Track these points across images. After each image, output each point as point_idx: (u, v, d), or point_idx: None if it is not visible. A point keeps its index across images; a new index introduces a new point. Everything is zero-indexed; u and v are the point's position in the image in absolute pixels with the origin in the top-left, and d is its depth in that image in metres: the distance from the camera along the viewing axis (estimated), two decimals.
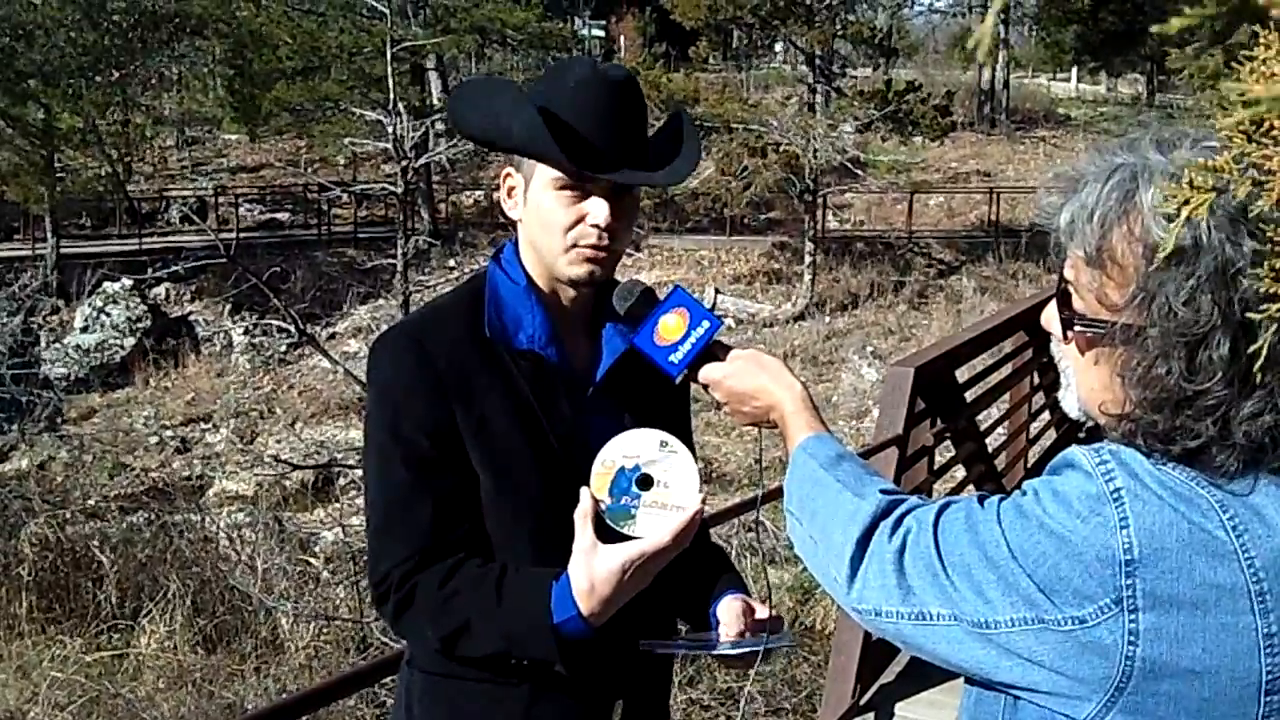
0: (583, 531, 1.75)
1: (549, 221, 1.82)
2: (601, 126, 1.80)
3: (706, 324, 1.71)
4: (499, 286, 1.90)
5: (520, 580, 1.81)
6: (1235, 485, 1.17)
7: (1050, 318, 1.32)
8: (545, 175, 1.81)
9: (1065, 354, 1.32)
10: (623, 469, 1.75)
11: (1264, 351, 1.09)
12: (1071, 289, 1.27)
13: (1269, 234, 1.07)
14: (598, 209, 1.80)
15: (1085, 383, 1.30)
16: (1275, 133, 0.97)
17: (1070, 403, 1.34)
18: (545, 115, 1.75)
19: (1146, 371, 1.18)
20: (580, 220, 1.81)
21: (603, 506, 1.75)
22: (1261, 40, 0.95)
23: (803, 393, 1.65)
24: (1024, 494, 1.26)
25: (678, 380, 1.77)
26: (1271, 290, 1.04)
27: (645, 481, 1.75)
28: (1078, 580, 1.16)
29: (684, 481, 1.75)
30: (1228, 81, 0.95)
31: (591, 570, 1.72)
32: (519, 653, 1.80)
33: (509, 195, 1.90)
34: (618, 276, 1.92)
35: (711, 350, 1.72)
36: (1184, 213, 1.02)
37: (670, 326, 1.71)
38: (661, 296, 1.77)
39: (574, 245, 1.82)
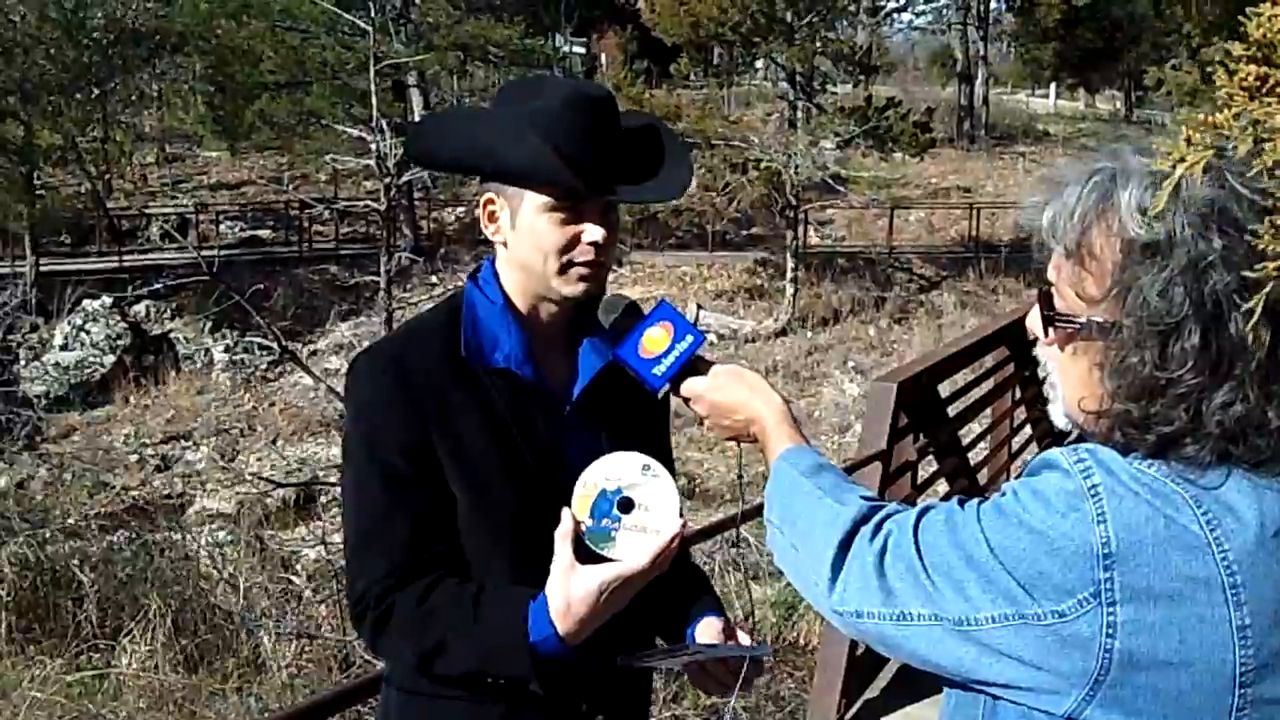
0: (562, 551, 1.75)
1: (544, 244, 1.82)
2: (595, 146, 1.81)
3: (690, 338, 1.73)
4: (476, 306, 1.91)
5: (498, 598, 1.82)
6: (1207, 479, 1.20)
7: (1034, 320, 1.35)
8: (537, 200, 1.81)
9: (1049, 357, 1.36)
10: (604, 491, 1.76)
11: (1237, 337, 1.15)
12: (1054, 290, 1.31)
13: (1270, 191, 1.10)
14: (593, 229, 1.82)
15: (1067, 382, 1.33)
16: (1279, 89, 0.98)
17: (1058, 411, 1.37)
18: (544, 138, 1.76)
19: (1121, 362, 1.22)
20: (575, 240, 1.82)
21: (583, 528, 1.75)
22: None
23: (783, 407, 1.67)
24: (1003, 495, 1.28)
25: (660, 393, 1.79)
26: (1271, 248, 1.05)
27: (626, 504, 1.75)
28: (1057, 575, 1.19)
29: (664, 505, 1.75)
30: (1236, 46, 0.96)
31: (569, 590, 1.73)
32: (495, 671, 1.80)
33: (490, 220, 1.89)
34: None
35: (694, 364, 1.74)
36: (1179, 170, 1.03)
37: (654, 340, 1.73)
38: (646, 311, 1.79)
39: (569, 265, 1.83)
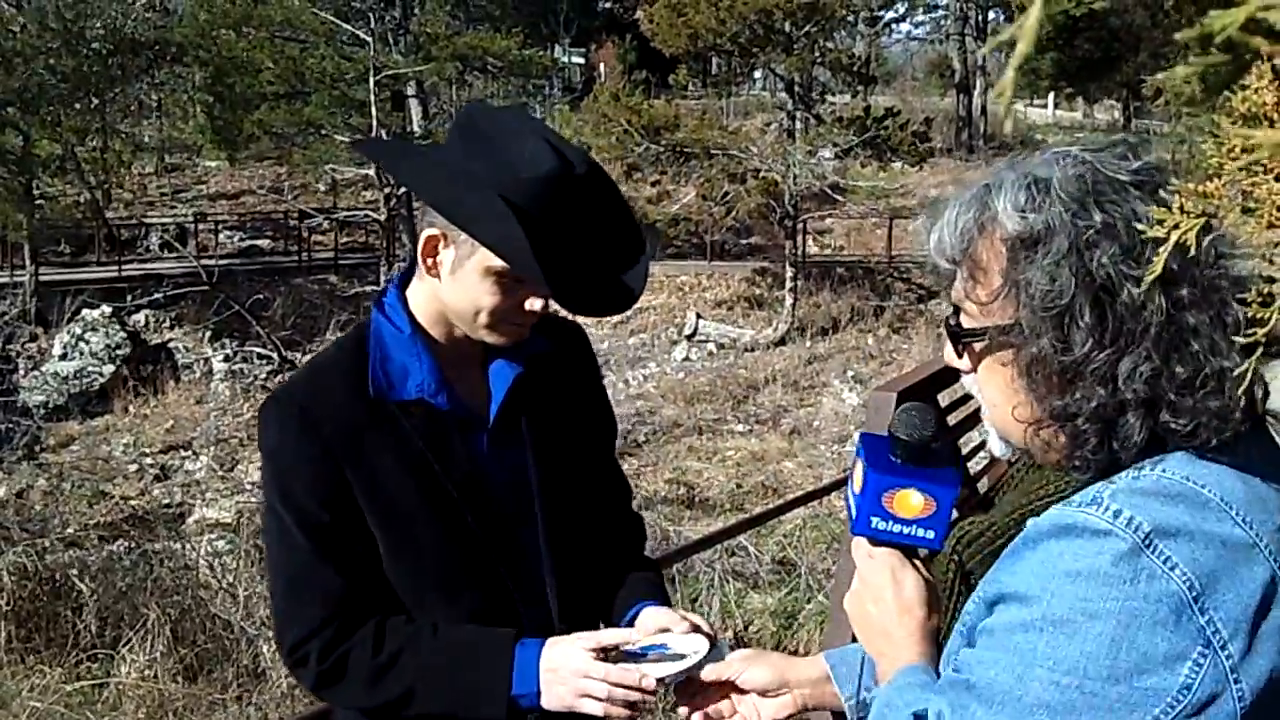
0: (590, 636, 1.79)
1: (482, 304, 1.78)
2: (568, 236, 1.75)
3: (933, 534, 1.43)
4: (384, 336, 1.86)
5: (472, 642, 1.82)
6: (1205, 471, 1.16)
7: (948, 351, 1.33)
8: (488, 261, 1.75)
9: (972, 384, 1.34)
10: (665, 646, 1.80)
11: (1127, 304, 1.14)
12: (960, 313, 1.30)
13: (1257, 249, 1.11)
14: (536, 302, 1.79)
15: (989, 399, 1.30)
16: (1265, 160, 1.00)
17: (993, 439, 1.34)
18: (520, 217, 1.68)
19: (1026, 356, 1.21)
20: (517, 305, 1.79)
21: (630, 644, 1.80)
22: (1254, 69, 0.98)
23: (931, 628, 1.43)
24: (1026, 604, 1.15)
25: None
26: (1258, 316, 1.06)
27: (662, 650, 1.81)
28: (1162, 645, 1.09)
29: (678, 661, 1.78)
30: (1223, 118, 0.98)
31: (573, 664, 1.76)
32: (466, 714, 1.81)
33: (430, 255, 1.81)
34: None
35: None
36: (1174, 236, 1.04)
37: (909, 505, 1.40)
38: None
39: (500, 322, 1.80)
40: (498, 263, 1.73)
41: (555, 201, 1.73)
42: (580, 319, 1.98)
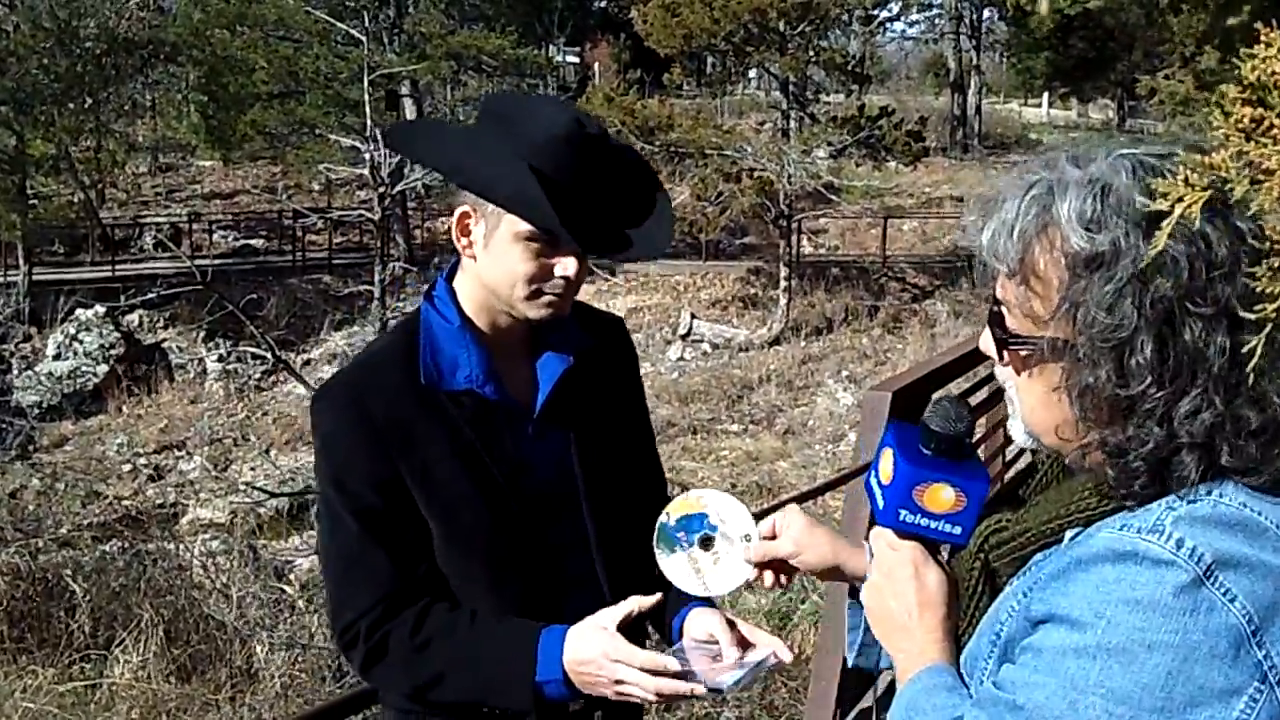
0: (611, 612, 1.78)
1: (515, 272, 1.81)
2: (584, 190, 1.79)
3: (960, 528, 1.39)
4: (434, 327, 1.89)
5: (503, 631, 1.83)
6: (1260, 498, 1.13)
7: (986, 342, 1.30)
8: (516, 226, 1.79)
9: (1006, 377, 1.30)
10: (705, 517, 1.73)
11: (1188, 347, 1.09)
12: (1004, 309, 1.26)
13: (1267, 231, 1.07)
14: (567, 262, 1.81)
15: (1026, 402, 1.27)
16: (1275, 131, 0.99)
17: (1016, 429, 1.31)
18: (539, 177, 1.73)
19: (1081, 383, 1.17)
20: (548, 272, 1.81)
21: (664, 520, 1.75)
22: (1263, 36, 0.97)
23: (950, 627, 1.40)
24: (1079, 629, 1.12)
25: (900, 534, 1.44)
26: (1269, 290, 1.04)
27: (706, 541, 1.74)
28: (1219, 679, 1.07)
29: (729, 573, 1.73)
30: (1231, 88, 0.97)
31: (597, 646, 1.75)
32: (494, 702, 1.83)
33: (464, 233, 1.87)
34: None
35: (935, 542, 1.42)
36: (1178, 210, 1.02)
37: (939, 500, 1.37)
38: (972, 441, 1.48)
39: (539, 293, 1.83)
40: (524, 226, 1.77)
41: (571, 157, 1.77)
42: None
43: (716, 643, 1.83)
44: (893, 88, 48.43)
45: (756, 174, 25.73)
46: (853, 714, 4.73)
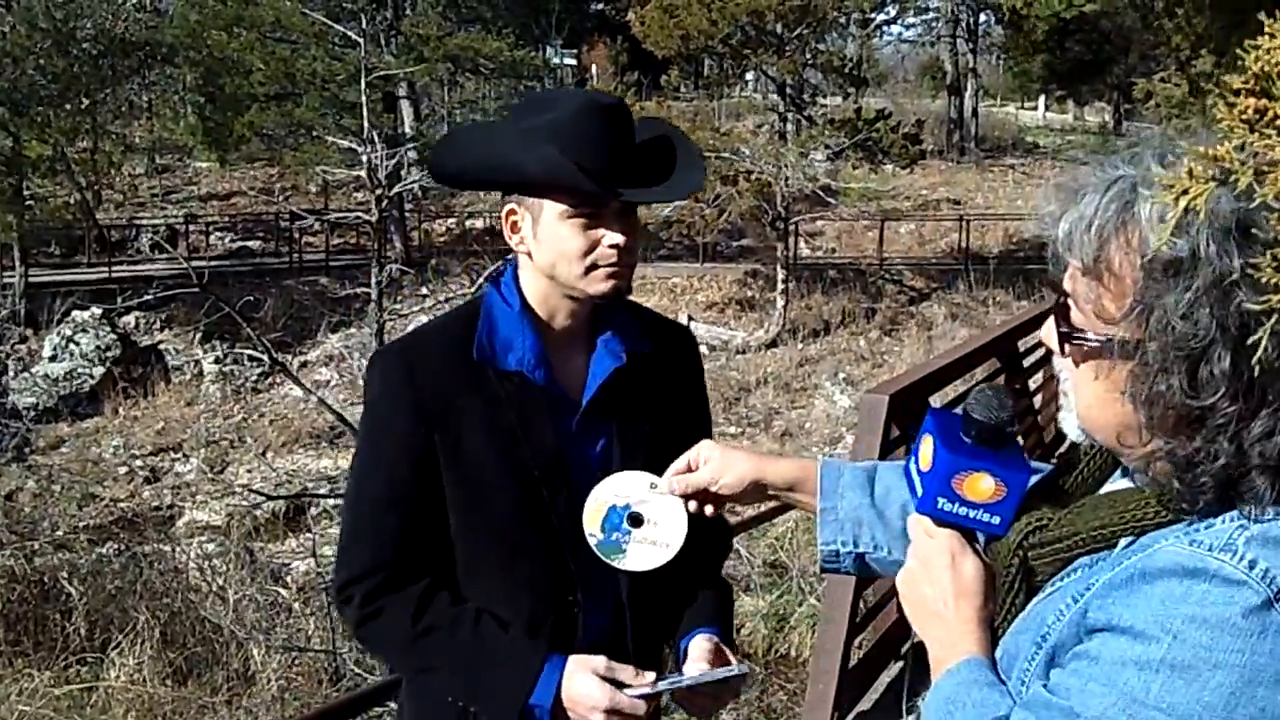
0: (621, 666, 1.83)
1: (567, 250, 1.86)
2: (608, 152, 1.84)
3: (998, 517, 1.36)
4: (494, 309, 1.94)
5: (507, 644, 1.86)
6: None
7: (1049, 332, 1.26)
8: (556, 208, 1.85)
9: (1065, 369, 1.27)
10: (614, 506, 1.77)
11: (1264, 362, 1.05)
12: (1070, 302, 1.23)
13: (1272, 223, 1.05)
14: (613, 231, 1.86)
15: (1083, 399, 1.24)
16: (1279, 122, 0.98)
17: (1070, 423, 1.28)
18: (562, 148, 1.80)
19: (1149, 389, 1.14)
20: (597, 244, 1.86)
21: (594, 541, 1.78)
22: (1267, 28, 0.96)
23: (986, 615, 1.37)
24: (1142, 641, 1.11)
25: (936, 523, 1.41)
26: (1273, 281, 1.03)
27: (635, 519, 1.77)
28: None
29: (672, 521, 1.77)
30: (1235, 79, 0.96)
31: (588, 696, 1.79)
32: (480, 708, 1.87)
33: (514, 230, 1.92)
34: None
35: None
36: (1182, 202, 1.01)
37: (979, 489, 1.34)
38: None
39: (594, 267, 1.87)
40: (563, 206, 1.84)
41: (592, 123, 1.83)
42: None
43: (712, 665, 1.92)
44: (890, 91, 48.47)
45: (754, 176, 25.74)
46: (850, 717, 4.73)
